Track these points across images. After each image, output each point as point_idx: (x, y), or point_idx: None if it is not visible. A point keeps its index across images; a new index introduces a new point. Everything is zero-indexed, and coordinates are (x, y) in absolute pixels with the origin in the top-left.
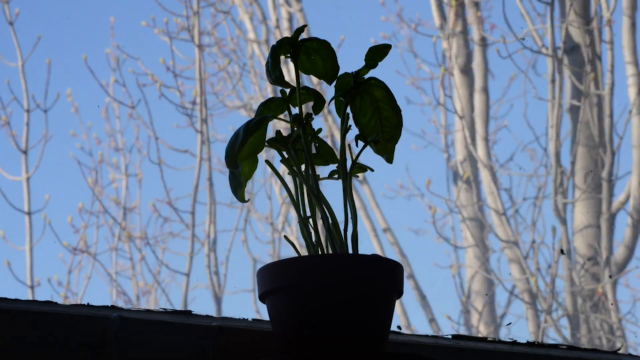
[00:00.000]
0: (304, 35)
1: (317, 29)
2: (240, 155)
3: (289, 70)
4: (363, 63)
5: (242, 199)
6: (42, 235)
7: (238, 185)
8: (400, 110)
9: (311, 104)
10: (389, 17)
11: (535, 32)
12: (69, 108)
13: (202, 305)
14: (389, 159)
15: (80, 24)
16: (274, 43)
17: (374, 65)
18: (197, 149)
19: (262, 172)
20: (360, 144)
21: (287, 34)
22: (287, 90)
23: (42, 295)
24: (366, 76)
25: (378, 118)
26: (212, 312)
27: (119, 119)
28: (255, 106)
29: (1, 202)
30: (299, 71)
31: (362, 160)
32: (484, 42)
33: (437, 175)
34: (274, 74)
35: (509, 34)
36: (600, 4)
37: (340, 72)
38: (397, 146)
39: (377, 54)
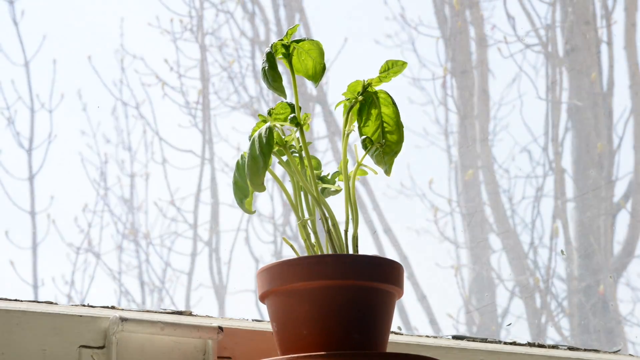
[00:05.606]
0: (302, 35)
1: (317, 28)
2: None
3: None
4: (364, 63)
5: (248, 210)
6: (47, 234)
7: (244, 196)
8: (402, 127)
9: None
10: (390, 17)
11: (536, 33)
12: (74, 108)
13: (206, 306)
14: (387, 172)
15: (84, 24)
16: (269, 47)
17: (387, 79)
18: (200, 149)
19: None
20: (365, 147)
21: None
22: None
23: (46, 294)
24: (377, 88)
25: (381, 132)
26: (215, 312)
27: (124, 118)
28: (257, 105)
29: (5, 202)
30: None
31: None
32: (484, 42)
33: (439, 174)
34: (272, 78)
35: (510, 34)
36: (600, 4)
37: (344, 75)
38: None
39: (392, 69)
